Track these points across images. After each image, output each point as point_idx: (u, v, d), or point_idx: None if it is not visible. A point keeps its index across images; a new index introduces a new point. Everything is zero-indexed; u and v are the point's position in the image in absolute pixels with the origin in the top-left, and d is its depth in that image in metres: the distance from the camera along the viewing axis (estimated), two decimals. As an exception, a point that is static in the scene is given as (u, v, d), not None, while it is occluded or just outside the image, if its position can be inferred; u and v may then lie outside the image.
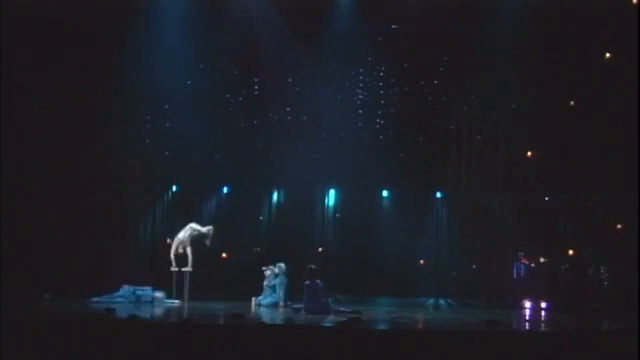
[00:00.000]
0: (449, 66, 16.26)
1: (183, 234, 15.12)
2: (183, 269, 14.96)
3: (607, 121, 15.13)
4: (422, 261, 17.05)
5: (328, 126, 16.47)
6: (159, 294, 14.74)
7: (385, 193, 17.33)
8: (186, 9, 15.42)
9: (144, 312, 12.77)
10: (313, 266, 13.88)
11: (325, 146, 16.39)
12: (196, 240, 15.24)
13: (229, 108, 16.57)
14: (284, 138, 16.38)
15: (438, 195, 17.14)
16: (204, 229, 15.23)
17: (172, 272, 14.91)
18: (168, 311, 13.57)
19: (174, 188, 17.24)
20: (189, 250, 15.03)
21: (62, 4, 14.64)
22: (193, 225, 15.25)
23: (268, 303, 14.75)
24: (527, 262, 16.36)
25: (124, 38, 15.27)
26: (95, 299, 14.23)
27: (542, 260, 16.61)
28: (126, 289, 14.64)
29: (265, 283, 15.17)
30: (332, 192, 17.30)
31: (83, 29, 15.20)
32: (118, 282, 14.93)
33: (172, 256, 15.04)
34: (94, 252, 15.42)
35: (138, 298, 14.52)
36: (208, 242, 15.24)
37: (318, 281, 13.58)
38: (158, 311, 13.49)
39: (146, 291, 14.69)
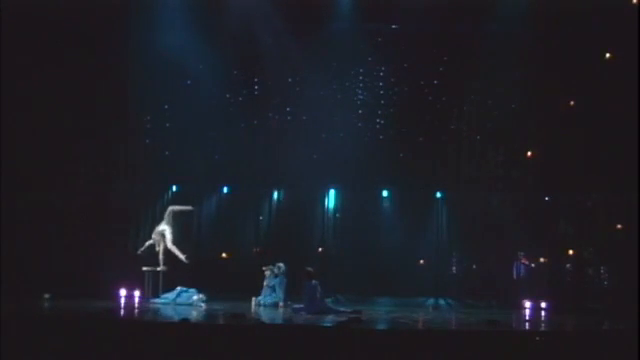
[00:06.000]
0: (449, 66, 16.26)
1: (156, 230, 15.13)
2: (146, 268, 14.95)
3: (607, 121, 15.13)
4: (422, 261, 17.05)
5: (328, 126, 16.45)
6: (198, 296, 14.54)
7: (385, 193, 17.31)
8: (186, 9, 15.42)
9: (160, 313, 12.82)
10: (310, 269, 13.94)
11: (325, 146, 16.35)
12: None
13: (229, 108, 16.56)
14: (284, 138, 16.35)
15: (438, 195, 17.12)
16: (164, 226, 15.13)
17: (144, 272, 14.93)
18: (183, 312, 13.12)
19: (174, 188, 17.23)
20: (161, 248, 14.99)
21: (62, 4, 14.64)
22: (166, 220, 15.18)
23: (268, 303, 14.74)
24: (527, 262, 16.32)
25: (124, 37, 15.29)
26: (151, 300, 14.40)
27: (542, 260, 16.59)
28: (173, 291, 14.64)
29: (265, 283, 15.16)
30: (332, 192, 17.29)
31: (82, 29, 15.21)
32: (116, 282, 14.95)
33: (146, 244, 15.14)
34: (94, 252, 15.40)
35: (182, 299, 14.46)
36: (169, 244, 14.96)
37: (314, 281, 13.62)
38: (172, 312, 13.22)
39: (190, 292, 14.61)
